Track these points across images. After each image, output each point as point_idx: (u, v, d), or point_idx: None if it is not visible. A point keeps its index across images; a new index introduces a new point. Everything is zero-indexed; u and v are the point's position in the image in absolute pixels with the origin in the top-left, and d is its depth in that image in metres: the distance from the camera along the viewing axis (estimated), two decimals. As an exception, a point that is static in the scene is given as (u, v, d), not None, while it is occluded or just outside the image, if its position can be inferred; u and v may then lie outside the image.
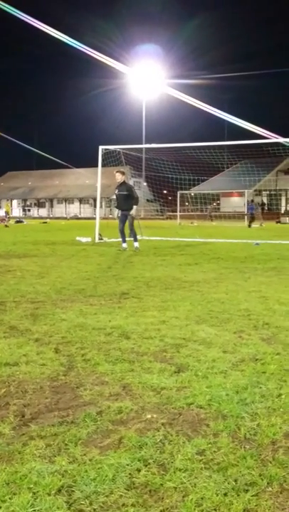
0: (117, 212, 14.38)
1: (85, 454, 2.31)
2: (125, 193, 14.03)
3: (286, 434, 2.54)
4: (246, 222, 40.00)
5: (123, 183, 14.22)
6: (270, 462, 2.25)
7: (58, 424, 2.62)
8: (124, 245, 14.01)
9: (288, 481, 2.09)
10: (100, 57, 16.09)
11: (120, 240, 14.38)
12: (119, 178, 14.17)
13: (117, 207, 14.40)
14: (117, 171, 14.40)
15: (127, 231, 14.22)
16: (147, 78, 42.68)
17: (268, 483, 2.08)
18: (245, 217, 42.57)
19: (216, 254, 12.95)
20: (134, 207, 14.00)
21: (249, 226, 37.53)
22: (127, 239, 14.33)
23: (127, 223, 14.09)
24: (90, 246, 15.93)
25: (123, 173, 14.36)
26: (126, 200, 14.01)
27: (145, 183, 64.24)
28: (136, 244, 13.86)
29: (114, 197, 14.62)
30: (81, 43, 15.87)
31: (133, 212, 13.99)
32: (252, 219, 39.45)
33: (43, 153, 39.68)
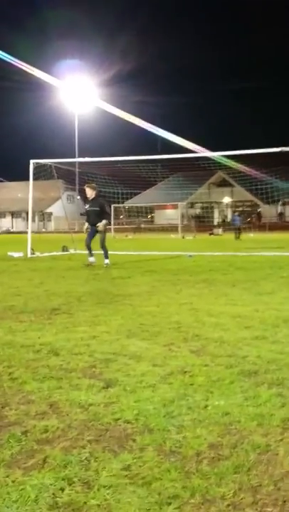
0: (86, 226, 13.78)
1: (7, 476, 2.26)
2: (97, 209, 13.50)
3: (210, 444, 2.58)
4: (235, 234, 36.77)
5: (94, 199, 13.68)
6: (194, 474, 2.28)
7: (-19, 447, 2.56)
8: (91, 259, 13.42)
9: (211, 492, 2.13)
10: (30, 69, 16.03)
11: (87, 253, 13.74)
12: (89, 193, 13.70)
13: (87, 221, 13.78)
14: (87, 186, 13.95)
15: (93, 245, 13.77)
16: (79, 92, 42.79)
17: (190, 495, 2.10)
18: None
19: (149, 267, 13.04)
20: (104, 221, 13.40)
21: (237, 238, 35.40)
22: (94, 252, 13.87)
23: (98, 239, 13.51)
24: (22, 261, 15.69)
25: (94, 188, 13.85)
26: (98, 215, 13.43)
27: (79, 197, 64.01)
28: (106, 261, 13.25)
29: (85, 211, 14.04)
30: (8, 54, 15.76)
31: (100, 225, 13.35)
32: (239, 230, 37.09)
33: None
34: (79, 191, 59.98)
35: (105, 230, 13.73)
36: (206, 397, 3.26)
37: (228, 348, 4.54)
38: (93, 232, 13.58)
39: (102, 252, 13.49)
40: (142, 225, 62.37)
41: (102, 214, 13.52)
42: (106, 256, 13.41)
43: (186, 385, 3.51)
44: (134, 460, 2.41)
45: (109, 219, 13.88)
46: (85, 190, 14.05)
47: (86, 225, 13.85)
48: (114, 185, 40.79)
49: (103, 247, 13.46)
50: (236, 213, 46.39)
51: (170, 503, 2.04)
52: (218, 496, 2.10)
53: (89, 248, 13.55)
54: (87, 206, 13.92)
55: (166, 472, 2.29)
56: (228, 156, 20.63)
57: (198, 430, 2.74)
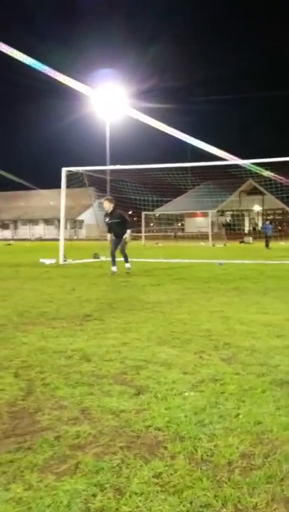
0: (109, 236, 13.88)
1: (40, 481, 2.28)
2: (118, 220, 13.57)
3: (242, 454, 2.56)
4: (263, 243, 36.09)
5: (113, 211, 13.70)
6: (226, 483, 2.27)
7: (15, 451, 2.59)
8: (114, 269, 13.42)
9: (243, 502, 2.11)
10: (63, 79, 16.25)
11: (110, 262, 13.78)
12: (107, 206, 13.75)
13: (109, 232, 13.87)
14: (105, 199, 14.12)
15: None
16: (111, 101, 43.09)
17: (222, 504, 2.09)
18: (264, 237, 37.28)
19: (179, 275, 13.03)
20: (128, 231, 13.60)
21: (266, 246, 34.55)
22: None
23: (120, 246, 13.60)
24: (54, 268, 15.85)
25: (111, 201, 13.87)
26: (119, 227, 13.55)
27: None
28: (127, 265, 13.47)
29: (106, 223, 13.99)
30: (44, 65, 16.02)
31: (127, 237, 13.55)
32: (268, 239, 35.98)
33: (7, 175, 39.53)
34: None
35: (128, 240, 13.84)
36: (237, 406, 3.24)
37: (259, 356, 4.51)
38: (118, 241, 13.66)
39: (122, 257, 13.63)
40: (179, 233, 62.34)
41: (123, 224, 13.64)
42: (126, 260, 13.61)
43: (218, 394, 3.49)
44: (166, 468, 2.41)
45: (131, 227, 13.98)
46: (103, 203, 14.17)
47: (109, 236, 13.97)
48: (144, 193, 40.93)
49: (122, 251, 13.60)
50: (268, 221, 45.66)
51: (202, 512, 2.03)
52: (251, 506, 2.09)
53: (113, 256, 13.62)
54: (107, 219, 13.90)
55: (197, 481, 2.28)
56: (258, 164, 20.49)
57: (230, 439, 2.72)
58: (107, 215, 13.88)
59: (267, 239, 36.10)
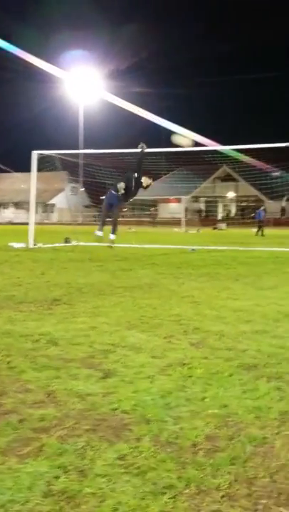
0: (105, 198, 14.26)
1: (3, 463, 2.25)
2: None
3: (207, 436, 2.57)
4: (256, 230, 36.32)
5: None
6: (189, 464, 2.27)
7: (-23, 434, 2.55)
8: (99, 233, 13.75)
9: (206, 483, 2.12)
10: (34, 60, 15.98)
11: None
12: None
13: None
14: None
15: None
16: (84, 83, 42.64)
17: (185, 485, 2.09)
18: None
19: (151, 260, 13.04)
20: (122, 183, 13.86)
21: (259, 234, 34.68)
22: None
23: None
24: (24, 252, 15.68)
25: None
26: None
27: (83, 189, 63.79)
28: (112, 236, 13.55)
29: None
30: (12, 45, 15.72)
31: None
32: (260, 226, 36.12)
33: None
34: (83, 183, 59.70)
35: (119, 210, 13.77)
36: (204, 389, 3.25)
37: (228, 341, 4.53)
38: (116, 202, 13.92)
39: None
40: (157, 219, 62.41)
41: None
42: (113, 231, 13.84)
43: (185, 377, 3.49)
44: (130, 450, 2.40)
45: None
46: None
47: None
48: (117, 178, 40.74)
49: (113, 221, 14.02)
50: (262, 208, 43.85)
51: (165, 493, 2.03)
52: (213, 487, 2.10)
53: (104, 219, 14.17)
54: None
55: (161, 462, 2.28)
56: (234, 150, 20.54)
57: (196, 421, 2.73)
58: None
59: (260, 226, 36.00)
